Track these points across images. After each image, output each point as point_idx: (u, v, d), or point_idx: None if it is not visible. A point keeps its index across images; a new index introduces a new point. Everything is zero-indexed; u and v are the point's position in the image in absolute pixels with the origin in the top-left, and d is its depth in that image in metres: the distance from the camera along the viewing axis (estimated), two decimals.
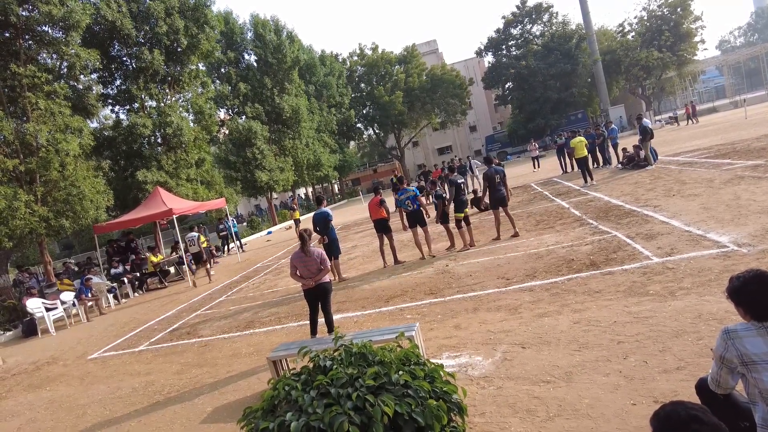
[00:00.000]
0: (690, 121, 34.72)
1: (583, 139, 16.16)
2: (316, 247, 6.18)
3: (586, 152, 15.85)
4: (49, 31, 14.94)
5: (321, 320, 6.22)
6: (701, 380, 2.55)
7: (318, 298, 6.00)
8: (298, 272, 6.00)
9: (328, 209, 10.02)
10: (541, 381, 4.08)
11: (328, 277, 6.01)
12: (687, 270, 5.81)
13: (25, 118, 14.52)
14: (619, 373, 3.91)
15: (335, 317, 7.44)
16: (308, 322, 6.28)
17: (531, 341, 4.91)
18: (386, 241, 10.54)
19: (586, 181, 15.36)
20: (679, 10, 44.73)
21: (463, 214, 10.09)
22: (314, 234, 9.21)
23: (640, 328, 4.59)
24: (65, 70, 16.07)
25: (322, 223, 9.64)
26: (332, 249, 9.70)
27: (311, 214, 14.96)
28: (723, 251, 6.15)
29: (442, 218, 10.24)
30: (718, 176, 11.25)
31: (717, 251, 6.20)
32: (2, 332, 12.62)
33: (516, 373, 4.33)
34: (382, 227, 10.49)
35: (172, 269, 17.79)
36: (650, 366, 3.89)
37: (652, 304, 5.10)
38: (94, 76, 18.83)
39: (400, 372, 1.97)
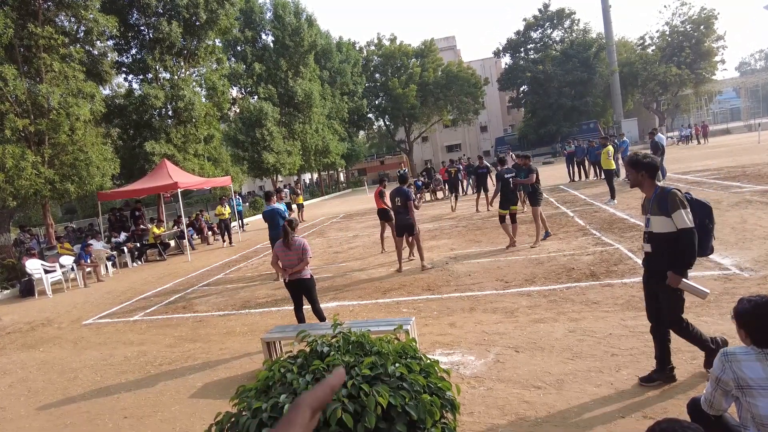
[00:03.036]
0: (698, 141, 34.54)
1: (611, 148, 14.52)
2: (301, 238, 5.88)
3: (613, 164, 14.17)
4: None
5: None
6: (693, 400, 2.55)
7: (300, 291, 5.75)
8: (279, 262, 5.76)
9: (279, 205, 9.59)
10: (532, 386, 4.09)
11: (308, 273, 5.69)
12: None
13: (38, 79, 14.52)
14: (610, 385, 3.92)
15: (332, 305, 7.47)
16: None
17: (525, 346, 4.91)
18: (388, 229, 10.61)
19: (613, 197, 13.34)
20: (702, 27, 44.37)
21: (507, 211, 9.42)
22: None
23: (635, 343, 4.59)
24: (82, 34, 16.05)
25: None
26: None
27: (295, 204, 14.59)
28: (724, 273, 6.13)
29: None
30: (726, 198, 11.20)
31: (718, 273, 6.19)
32: (0, 290, 12.70)
33: (507, 375, 4.34)
34: (383, 216, 10.83)
35: (172, 242, 17.84)
36: None
37: None
38: (110, 42, 18.79)
39: (397, 364, 1.97)
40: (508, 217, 9.54)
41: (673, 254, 3.58)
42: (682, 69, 44.17)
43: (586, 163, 21.11)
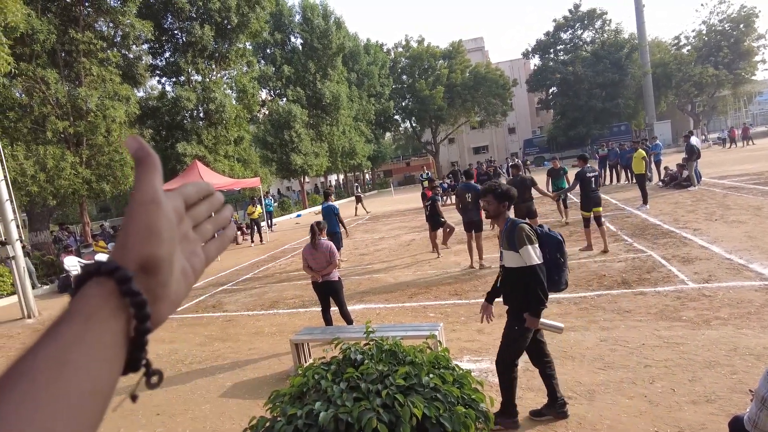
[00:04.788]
0: (734, 144, 33.32)
1: (642, 152, 13.54)
2: (327, 240, 5.97)
3: (644, 169, 13.32)
4: None
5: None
6: (736, 418, 2.47)
7: (327, 293, 5.81)
8: (308, 264, 5.84)
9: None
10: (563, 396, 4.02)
11: (336, 275, 5.78)
12: (725, 299, 5.62)
13: (78, 83, 15.06)
14: (644, 397, 3.82)
15: (358, 307, 7.50)
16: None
17: (555, 354, 4.82)
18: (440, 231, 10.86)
19: (645, 202, 12.87)
20: (741, 26, 42.89)
21: (590, 213, 8.79)
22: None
23: (670, 354, 4.47)
24: (119, 38, 16.58)
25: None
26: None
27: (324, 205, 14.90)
28: (766, 284, 5.91)
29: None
30: (766, 204, 10.80)
31: (760, 283, 5.97)
32: (40, 285, 13.20)
33: (537, 384, 4.28)
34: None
35: None
36: (678, 394, 3.79)
37: (684, 330, 4.95)
38: (145, 46, 19.36)
39: (431, 375, 1.97)
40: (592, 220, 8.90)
41: (524, 293, 3.50)
42: (719, 69, 42.75)
43: (618, 166, 20.68)
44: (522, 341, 3.61)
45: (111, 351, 0.42)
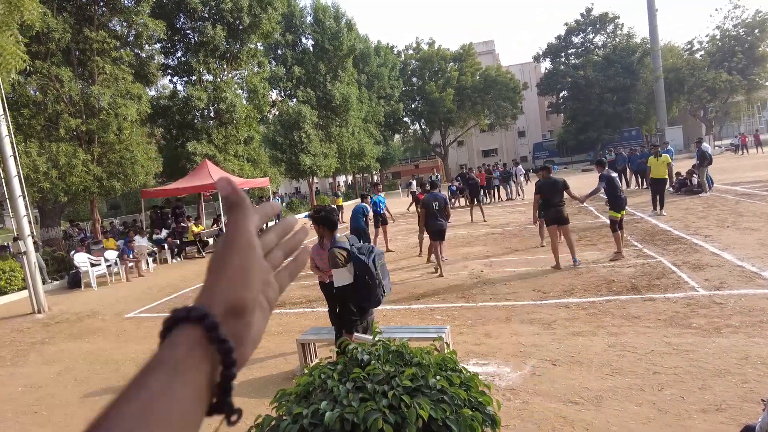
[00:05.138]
0: (746, 150, 32.94)
1: (666, 157, 12.88)
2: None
3: (665, 174, 12.81)
4: None
5: None
6: (747, 428, 2.43)
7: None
8: (315, 264, 5.85)
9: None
10: (570, 401, 3.99)
11: None
12: (736, 307, 5.55)
13: (91, 81, 15.22)
14: (652, 404, 3.78)
15: None
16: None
17: (562, 359, 4.80)
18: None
19: (654, 209, 12.68)
20: (756, 31, 42.36)
21: (619, 215, 8.45)
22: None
23: (679, 361, 4.42)
24: (132, 38, 16.75)
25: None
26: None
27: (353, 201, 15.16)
28: None
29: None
30: None
31: None
32: (50, 281, 13.33)
33: (544, 389, 4.25)
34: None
35: (211, 240, 18.31)
36: (687, 402, 3.75)
37: (694, 337, 4.90)
38: (157, 46, 19.52)
39: (438, 376, 1.96)
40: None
41: (341, 310, 3.91)
42: (733, 75, 42.27)
43: (628, 171, 20.50)
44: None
45: (196, 401, 0.42)
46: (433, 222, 9.10)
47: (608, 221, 8.95)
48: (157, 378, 0.40)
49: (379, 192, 12.60)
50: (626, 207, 8.80)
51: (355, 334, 3.85)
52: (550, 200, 8.33)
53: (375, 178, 55.96)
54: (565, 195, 8.37)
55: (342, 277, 3.82)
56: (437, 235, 9.16)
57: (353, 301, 3.84)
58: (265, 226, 0.57)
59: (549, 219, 8.36)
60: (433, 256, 9.77)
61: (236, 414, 0.46)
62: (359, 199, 11.69)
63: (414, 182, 23.27)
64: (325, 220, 4.14)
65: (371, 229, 12.71)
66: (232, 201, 0.50)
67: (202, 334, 0.42)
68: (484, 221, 15.99)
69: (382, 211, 12.32)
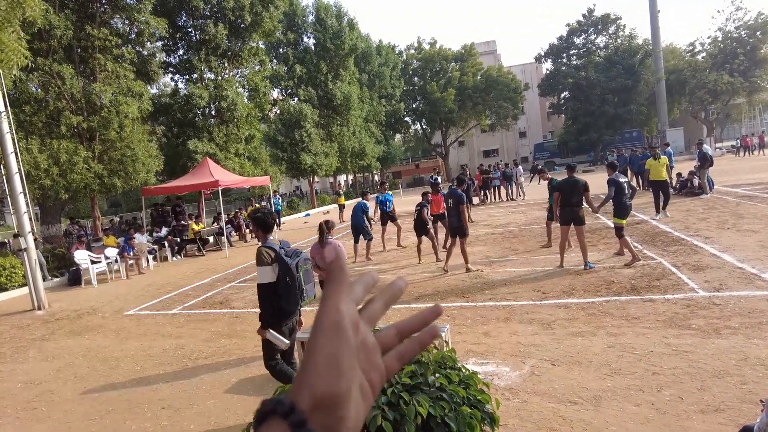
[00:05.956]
0: (747, 153, 32.93)
1: (665, 159, 12.78)
2: (334, 240, 6.05)
3: (665, 175, 12.59)
4: None
5: None
6: (745, 428, 2.43)
7: None
8: (316, 263, 5.88)
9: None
10: (568, 401, 3.99)
11: None
12: (736, 308, 5.55)
13: (92, 78, 15.22)
14: (651, 405, 3.79)
15: None
16: None
17: (562, 359, 4.81)
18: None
19: (657, 212, 12.43)
20: (758, 33, 42.31)
21: (624, 221, 8.23)
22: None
23: (678, 362, 4.42)
24: (134, 35, 16.74)
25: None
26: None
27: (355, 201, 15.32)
28: None
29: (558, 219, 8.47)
30: None
31: None
32: (51, 278, 13.34)
33: (543, 389, 4.25)
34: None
35: (211, 239, 18.32)
36: (686, 403, 3.75)
37: (693, 338, 4.90)
38: (159, 43, 19.51)
39: (437, 374, 1.97)
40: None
41: (261, 306, 4.13)
42: (734, 77, 42.23)
43: (629, 173, 20.47)
44: (267, 345, 4.21)
45: None
46: (448, 219, 9.38)
47: (608, 222, 8.94)
48: None
49: (387, 190, 12.72)
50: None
51: (270, 330, 4.05)
52: (567, 200, 8.24)
53: (376, 177, 56.04)
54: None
55: (265, 274, 4.01)
56: (450, 232, 9.39)
57: (272, 299, 4.05)
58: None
59: (563, 219, 8.29)
60: (445, 254, 9.68)
61: None
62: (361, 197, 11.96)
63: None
64: (258, 221, 4.24)
65: (378, 227, 12.90)
66: (331, 270, 0.47)
67: (289, 431, 0.41)
68: (471, 221, 15.96)
69: (389, 209, 12.46)
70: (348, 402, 0.44)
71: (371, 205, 12.22)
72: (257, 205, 19.27)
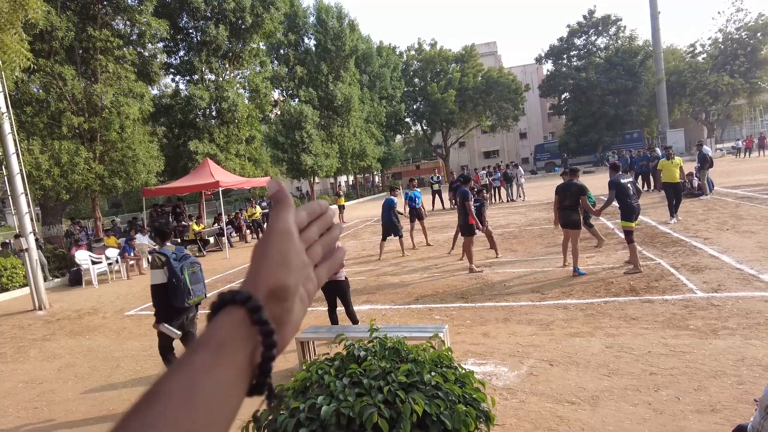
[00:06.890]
0: (747, 154, 32.94)
1: (679, 160, 12.19)
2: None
3: (678, 177, 12.07)
4: None
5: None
6: (740, 427, 2.46)
7: (334, 293, 5.84)
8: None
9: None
10: (566, 401, 4.02)
11: (343, 274, 5.79)
12: (734, 309, 5.57)
13: (93, 79, 15.27)
14: (648, 405, 3.81)
15: (364, 308, 7.53)
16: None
17: (560, 359, 4.83)
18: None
19: (672, 215, 11.93)
20: (759, 35, 42.35)
21: (633, 224, 7.81)
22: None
23: (676, 363, 4.44)
24: (135, 36, 16.78)
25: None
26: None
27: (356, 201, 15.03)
28: None
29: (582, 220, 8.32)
30: None
31: None
32: (52, 278, 13.38)
33: (541, 389, 4.28)
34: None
35: (211, 239, 18.35)
36: (683, 403, 3.77)
37: (691, 339, 4.92)
38: (160, 45, 19.55)
39: (432, 373, 1.99)
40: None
41: (156, 304, 4.71)
42: (735, 78, 42.26)
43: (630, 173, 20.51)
44: (163, 337, 4.82)
45: (237, 378, 0.45)
46: (457, 216, 9.49)
47: (608, 224, 8.95)
48: (202, 356, 0.43)
49: (415, 187, 12.97)
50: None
51: (164, 324, 4.65)
52: (561, 203, 8.27)
53: (376, 178, 56.09)
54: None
55: (156, 276, 4.60)
56: (461, 230, 9.42)
57: (163, 298, 4.63)
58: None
59: (561, 221, 8.34)
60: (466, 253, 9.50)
61: (277, 400, 0.49)
62: (388, 191, 12.00)
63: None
64: (156, 231, 5.05)
65: (407, 224, 12.93)
66: (277, 198, 0.53)
67: (246, 316, 0.46)
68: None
69: (418, 206, 12.59)
70: (295, 296, 0.50)
71: (399, 201, 12.10)
72: (257, 206, 19.37)
